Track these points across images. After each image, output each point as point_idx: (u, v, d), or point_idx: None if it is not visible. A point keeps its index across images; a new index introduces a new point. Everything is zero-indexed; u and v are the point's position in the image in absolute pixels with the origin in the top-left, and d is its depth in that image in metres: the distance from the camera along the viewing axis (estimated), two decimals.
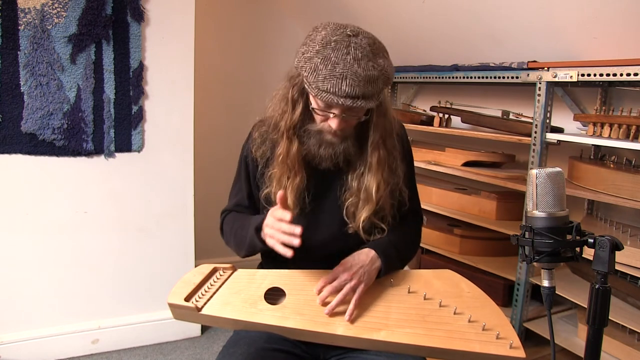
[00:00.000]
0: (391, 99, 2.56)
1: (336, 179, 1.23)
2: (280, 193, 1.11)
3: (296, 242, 1.04)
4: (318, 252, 1.24)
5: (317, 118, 1.17)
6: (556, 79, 1.71)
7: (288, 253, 1.06)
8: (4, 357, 1.96)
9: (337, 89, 1.03)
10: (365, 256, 1.19)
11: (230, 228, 1.32)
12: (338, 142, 1.17)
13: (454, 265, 2.08)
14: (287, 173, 1.20)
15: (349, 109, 1.09)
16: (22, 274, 1.98)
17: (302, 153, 1.20)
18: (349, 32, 1.06)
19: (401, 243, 1.26)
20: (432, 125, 2.35)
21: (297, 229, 1.04)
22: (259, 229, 1.17)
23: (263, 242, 1.15)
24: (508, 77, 1.89)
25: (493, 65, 1.96)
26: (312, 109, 1.15)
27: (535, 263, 0.91)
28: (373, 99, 1.07)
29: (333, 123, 1.12)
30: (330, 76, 1.03)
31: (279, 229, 1.08)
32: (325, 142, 1.17)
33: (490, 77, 1.96)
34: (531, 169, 1.05)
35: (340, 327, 1.11)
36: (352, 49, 1.04)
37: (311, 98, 1.14)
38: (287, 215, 1.06)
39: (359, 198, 1.20)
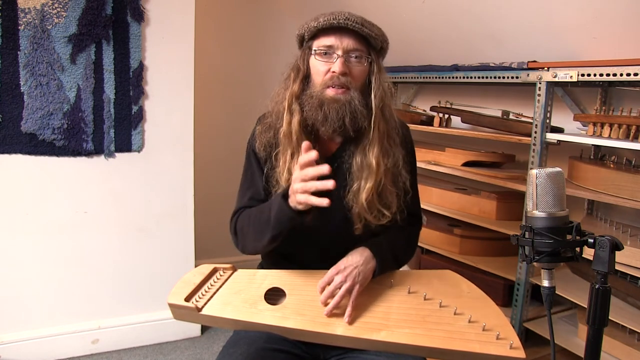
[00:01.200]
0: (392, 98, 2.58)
1: (340, 167, 1.22)
2: (305, 143, 1.08)
3: (330, 184, 1.01)
4: (320, 251, 1.24)
5: (320, 70, 1.17)
6: (556, 79, 1.71)
7: (324, 202, 1.01)
8: (4, 357, 1.96)
9: (336, 15, 1.14)
10: (359, 256, 1.18)
11: (248, 219, 1.23)
12: (342, 97, 1.15)
13: (454, 265, 2.08)
14: (290, 149, 1.18)
15: (351, 49, 1.16)
16: (22, 274, 1.98)
17: (305, 122, 1.18)
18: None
19: (397, 243, 1.26)
20: (432, 125, 2.35)
21: (324, 167, 1.02)
22: (286, 195, 1.11)
23: (292, 210, 1.09)
24: (508, 77, 1.89)
25: (493, 65, 1.96)
26: (315, 56, 1.18)
27: (535, 263, 0.91)
28: (372, 33, 1.16)
29: (336, 66, 1.14)
30: (331, 14, 1.16)
31: (306, 175, 1.04)
32: (328, 100, 1.15)
33: (490, 77, 1.96)
34: (531, 169, 1.05)
35: (340, 327, 1.11)
36: (348, 12, 1.17)
37: (314, 48, 1.18)
38: (313, 153, 1.04)
39: (361, 177, 1.19)
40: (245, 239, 1.24)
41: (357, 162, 1.20)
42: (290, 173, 1.17)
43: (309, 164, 1.04)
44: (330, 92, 1.16)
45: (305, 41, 1.23)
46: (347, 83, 1.15)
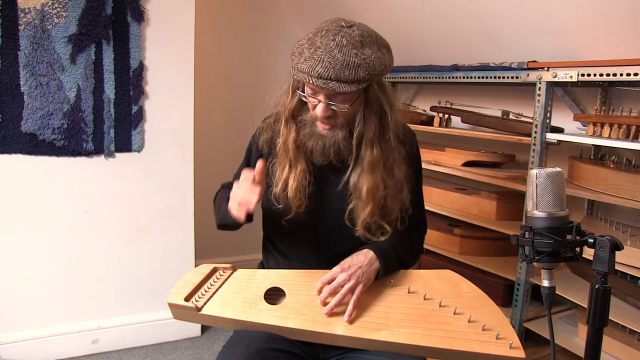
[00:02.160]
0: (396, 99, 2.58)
1: (338, 179, 1.23)
2: (259, 162, 1.11)
3: (254, 199, 1.07)
4: (320, 253, 1.24)
5: (309, 106, 1.17)
6: (556, 79, 1.71)
7: (241, 215, 1.08)
8: (4, 357, 1.96)
9: (311, 70, 1.05)
10: (363, 257, 1.18)
11: (220, 199, 1.34)
12: (328, 134, 1.16)
13: (454, 265, 2.08)
14: (287, 161, 1.20)
15: (332, 95, 1.09)
16: (22, 274, 1.98)
17: (299, 143, 1.19)
18: (343, 24, 1.09)
19: (401, 247, 1.25)
20: (432, 125, 2.35)
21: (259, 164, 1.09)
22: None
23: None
24: (508, 77, 1.89)
25: (493, 65, 1.96)
26: (305, 96, 1.16)
27: (535, 263, 0.91)
28: (348, 84, 1.06)
29: (319, 110, 1.13)
30: (310, 58, 1.06)
31: (239, 187, 1.11)
32: (316, 135, 1.16)
33: (490, 77, 1.96)
34: (531, 169, 1.05)
35: (340, 327, 1.11)
36: (339, 37, 1.06)
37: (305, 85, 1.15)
38: (250, 174, 1.09)
39: (359, 199, 1.19)
40: (214, 211, 1.37)
41: (352, 179, 1.20)
42: (286, 183, 1.19)
43: (246, 179, 1.10)
44: (319, 126, 1.16)
45: None
46: (332, 122, 1.15)
